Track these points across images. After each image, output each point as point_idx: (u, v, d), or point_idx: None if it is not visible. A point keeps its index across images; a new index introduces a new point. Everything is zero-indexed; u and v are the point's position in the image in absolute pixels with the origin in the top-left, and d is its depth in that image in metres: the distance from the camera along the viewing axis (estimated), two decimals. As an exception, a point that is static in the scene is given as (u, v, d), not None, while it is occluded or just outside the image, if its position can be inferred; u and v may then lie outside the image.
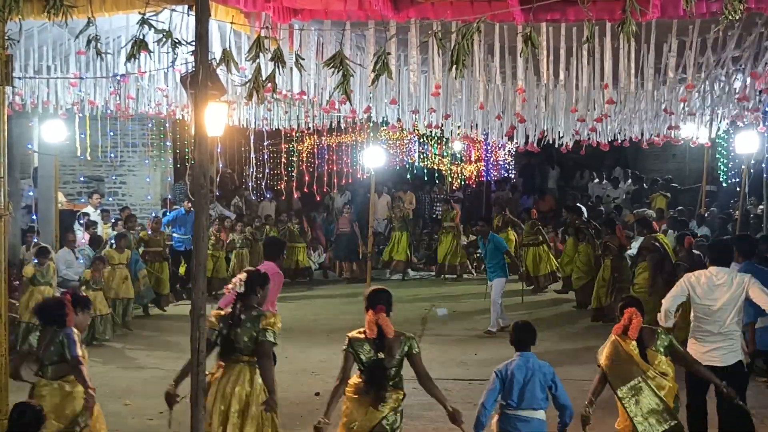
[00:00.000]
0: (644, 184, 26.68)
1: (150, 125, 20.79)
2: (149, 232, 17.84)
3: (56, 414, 7.10)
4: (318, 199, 24.18)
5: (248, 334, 7.07)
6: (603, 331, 11.77)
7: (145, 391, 11.21)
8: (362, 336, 7.00)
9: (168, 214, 19.43)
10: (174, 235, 18.85)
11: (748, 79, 10.61)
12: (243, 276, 7.31)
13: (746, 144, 15.56)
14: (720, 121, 13.71)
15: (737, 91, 11.20)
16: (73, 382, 7.27)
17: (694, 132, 14.93)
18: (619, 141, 15.15)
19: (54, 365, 7.28)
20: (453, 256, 21.80)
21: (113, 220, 18.26)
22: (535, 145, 14.87)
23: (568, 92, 9.66)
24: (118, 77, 11.92)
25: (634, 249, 15.54)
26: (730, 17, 5.25)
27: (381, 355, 6.89)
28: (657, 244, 14.15)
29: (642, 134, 14.93)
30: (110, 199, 20.71)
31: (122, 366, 12.85)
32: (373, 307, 7.06)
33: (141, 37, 6.94)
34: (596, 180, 28.06)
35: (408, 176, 28.02)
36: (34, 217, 15.89)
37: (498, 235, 16.69)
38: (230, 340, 7.11)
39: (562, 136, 14.70)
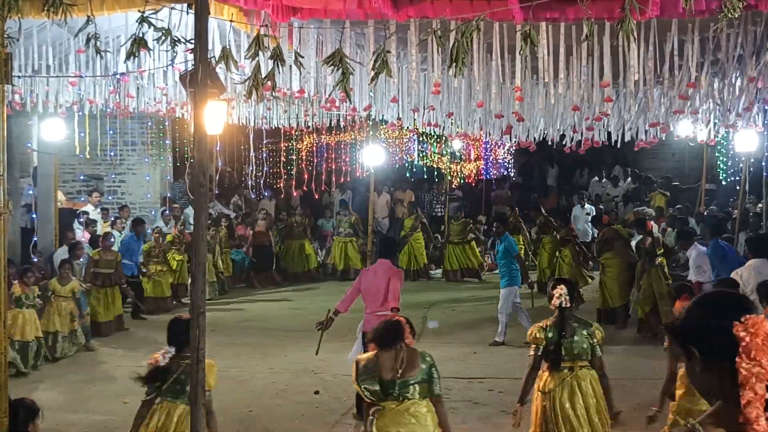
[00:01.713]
0: (643, 182, 26.73)
1: (149, 124, 20.80)
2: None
3: None
4: (317, 197, 24.19)
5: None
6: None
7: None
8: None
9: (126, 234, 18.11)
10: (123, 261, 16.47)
11: (746, 82, 10.63)
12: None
13: (746, 143, 15.58)
14: (719, 122, 13.68)
15: (738, 91, 11.19)
16: None
17: (692, 131, 14.93)
18: (615, 139, 15.10)
19: None
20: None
21: (112, 219, 18.27)
22: (533, 143, 14.89)
23: (567, 90, 9.65)
24: (118, 76, 11.91)
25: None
26: (729, 15, 5.25)
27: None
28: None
29: (638, 133, 14.93)
30: (110, 197, 20.72)
31: (120, 365, 12.85)
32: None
33: (140, 35, 6.93)
34: (595, 178, 28.07)
35: (408, 174, 28.02)
36: (34, 216, 15.89)
37: (512, 237, 15.94)
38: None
39: (561, 135, 14.69)
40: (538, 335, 7.49)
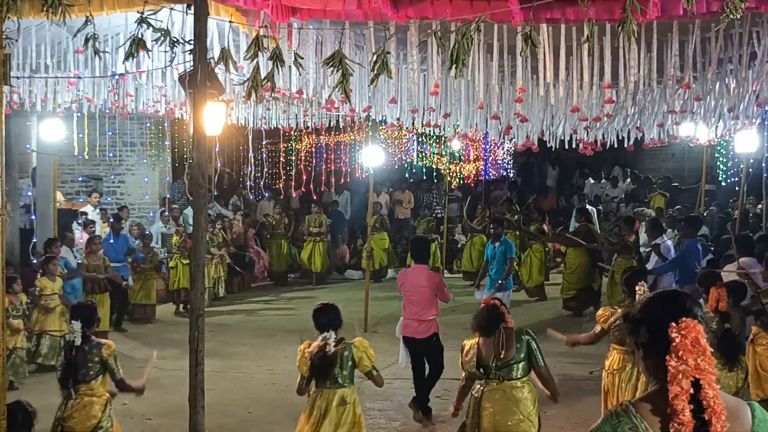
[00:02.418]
0: (642, 183, 26.73)
1: (148, 124, 20.78)
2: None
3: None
4: (315, 197, 24.15)
5: None
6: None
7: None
8: None
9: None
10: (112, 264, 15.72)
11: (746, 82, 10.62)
12: None
13: (746, 143, 15.54)
14: (720, 122, 13.67)
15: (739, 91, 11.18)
16: None
17: (692, 131, 14.93)
18: (616, 140, 15.07)
19: None
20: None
21: (111, 220, 18.23)
22: (535, 143, 14.88)
23: (567, 91, 9.63)
24: (117, 76, 11.88)
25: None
26: (731, 16, 5.23)
27: None
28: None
29: (635, 133, 14.93)
30: (108, 198, 20.68)
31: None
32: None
33: (139, 35, 6.91)
34: (592, 181, 28.06)
35: (407, 175, 27.98)
36: (33, 217, 15.85)
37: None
38: None
39: (562, 139, 14.67)
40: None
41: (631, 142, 14.65)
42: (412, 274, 10.51)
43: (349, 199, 25.84)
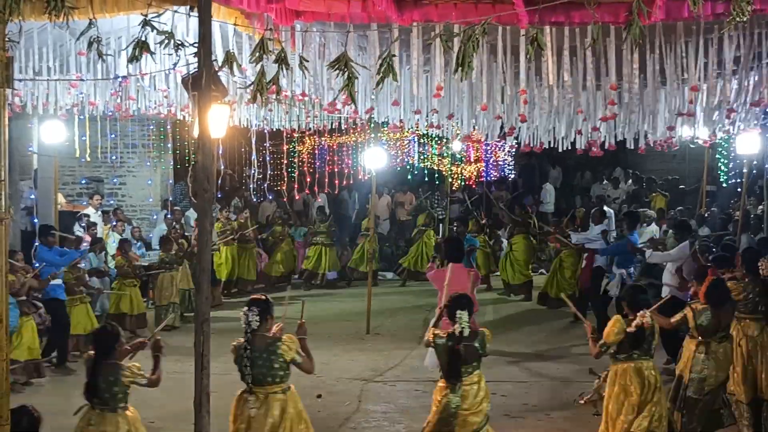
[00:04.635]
0: (643, 184, 26.68)
1: (150, 126, 20.77)
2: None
3: None
4: (318, 200, 24.10)
5: None
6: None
7: (146, 394, 11.16)
8: None
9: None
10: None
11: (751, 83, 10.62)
12: None
13: (747, 145, 15.53)
14: (724, 123, 13.66)
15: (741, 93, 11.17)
16: None
17: (693, 132, 14.91)
18: (612, 143, 15.04)
19: None
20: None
21: (114, 223, 18.20)
22: (540, 144, 14.88)
23: (572, 93, 9.63)
24: (119, 79, 11.87)
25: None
26: (738, 18, 5.20)
27: None
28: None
29: (642, 136, 14.91)
30: (110, 200, 20.67)
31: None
32: None
33: (143, 38, 6.89)
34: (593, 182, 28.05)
35: (409, 177, 27.95)
36: (35, 219, 15.83)
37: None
38: None
39: (564, 138, 14.66)
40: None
41: (642, 145, 14.63)
42: (452, 272, 10.28)
43: (356, 198, 25.86)
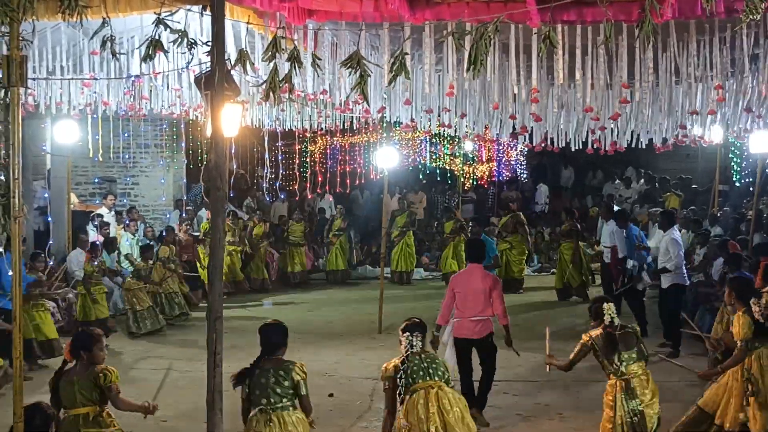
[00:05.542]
0: (656, 184, 26.59)
1: (163, 126, 20.81)
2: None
3: None
4: (330, 198, 24.12)
5: None
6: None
7: (160, 392, 11.23)
8: None
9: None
10: None
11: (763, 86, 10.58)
12: None
13: (760, 144, 15.48)
14: (738, 123, 13.61)
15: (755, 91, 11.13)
16: None
17: (706, 131, 14.88)
18: (624, 144, 15.01)
19: None
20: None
21: (127, 222, 18.25)
22: (553, 144, 14.88)
23: (583, 91, 9.61)
24: (132, 78, 11.90)
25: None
26: (751, 16, 5.19)
27: None
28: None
29: (657, 135, 14.89)
30: (123, 200, 20.73)
31: (136, 368, 12.85)
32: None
33: (156, 37, 6.91)
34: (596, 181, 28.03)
35: (421, 176, 27.93)
36: (49, 218, 15.90)
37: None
38: None
39: (576, 136, 14.65)
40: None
41: (659, 144, 14.64)
42: (468, 273, 10.27)
43: (369, 198, 25.89)
